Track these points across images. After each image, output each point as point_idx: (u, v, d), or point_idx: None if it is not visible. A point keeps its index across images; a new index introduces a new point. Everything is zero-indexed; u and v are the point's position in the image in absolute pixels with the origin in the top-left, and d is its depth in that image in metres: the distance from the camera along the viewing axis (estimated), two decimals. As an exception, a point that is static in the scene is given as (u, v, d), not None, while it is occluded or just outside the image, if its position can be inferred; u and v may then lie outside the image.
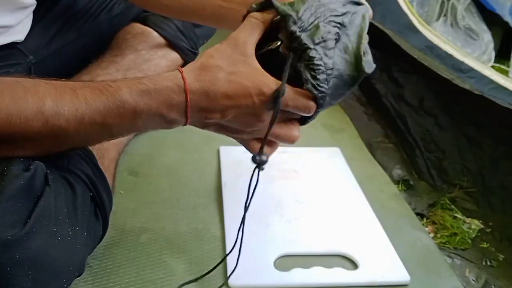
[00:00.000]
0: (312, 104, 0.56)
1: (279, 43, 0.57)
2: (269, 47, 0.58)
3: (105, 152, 0.78)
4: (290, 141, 0.60)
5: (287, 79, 0.54)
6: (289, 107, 0.56)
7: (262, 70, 0.56)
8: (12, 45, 0.79)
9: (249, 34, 0.57)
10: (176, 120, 0.56)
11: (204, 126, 0.58)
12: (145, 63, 0.93)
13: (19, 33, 0.79)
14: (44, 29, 0.86)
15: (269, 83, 0.54)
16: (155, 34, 0.97)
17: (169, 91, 0.54)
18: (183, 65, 1.03)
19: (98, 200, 0.63)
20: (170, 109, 0.54)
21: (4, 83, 0.51)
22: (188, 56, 1.01)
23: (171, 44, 0.98)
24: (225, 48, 0.56)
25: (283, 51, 0.56)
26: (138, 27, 0.96)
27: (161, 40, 0.97)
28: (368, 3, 0.83)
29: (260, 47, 0.58)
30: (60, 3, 0.89)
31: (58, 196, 0.55)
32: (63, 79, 0.55)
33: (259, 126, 0.57)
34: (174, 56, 0.99)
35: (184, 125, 0.57)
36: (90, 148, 0.69)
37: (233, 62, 0.55)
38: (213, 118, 0.56)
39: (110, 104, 0.53)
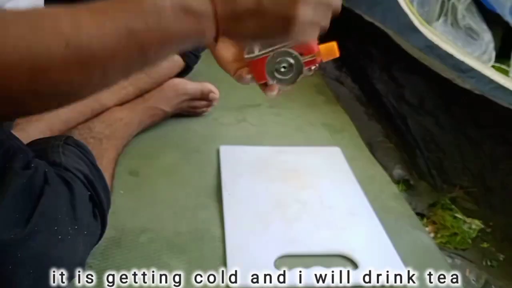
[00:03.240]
0: None
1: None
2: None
3: (105, 153, 0.78)
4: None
5: None
6: None
7: None
8: None
9: None
10: (201, 10, 0.49)
11: (237, 23, 0.51)
12: None
13: None
14: None
15: None
16: None
17: None
18: (184, 68, 1.04)
19: (96, 199, 0.63)
20: None
21: (18, 12, 0.45)
22: (189, 58, 1.01)
23: None
24: None
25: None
26: None
27: None
28: (369, 3, 0.85)
29: None
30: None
31: (57, 195, 0.55)
32: None
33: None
34: (175, 58, 0.99)
35: (215, 22, 0.50)
36: (90, 148, 0.69)
37: None
38: (244, 2, 0.50)
39: (128, 7, 0.47)
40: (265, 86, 0.70)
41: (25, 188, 0.51)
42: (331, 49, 0.65)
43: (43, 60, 0.43)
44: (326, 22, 0.56)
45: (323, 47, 0.65)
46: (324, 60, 0.66)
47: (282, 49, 0.62)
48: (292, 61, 0.63)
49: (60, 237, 0.53)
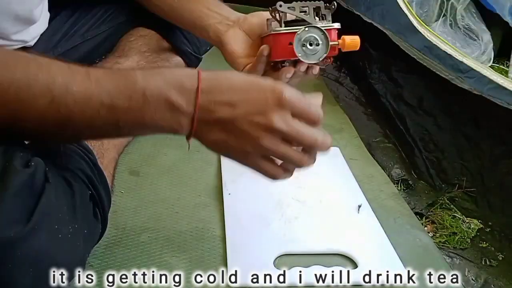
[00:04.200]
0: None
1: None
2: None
3: (105, 152, 0.78)
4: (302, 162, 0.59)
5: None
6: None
7: None
8: (23, 48, 0.81)
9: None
10: (183, 108, 0.53)
11: (209, 129, 0.56)
12: (148, 65, 0.93)
13: (31, 41, 0.81)
14: (51, 34, 0.87)
15: (282, 85, 0.55)
16: (158, 36, 0.97)
17: (182, 75, 0.54)
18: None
19: (97, 199, 0.63)
20: (179, 92, 0.53)
21: (20, 57, 0.51)
22: (191, 60, 1.01)
23: (175, 48, 0.98)
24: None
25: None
26: (142, 30, 0.97)
27: (164, 43, 0.97)
28: (368, 4, 0.87)
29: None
30: (65, 11, 0.90)
31: (58, 193, 0.55)
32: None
33: (267, 134, 0.56)
34: (177, 60, 0.99)
35: (191, 123, 0.55)
36: (91, 147, 0.69)
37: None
38: (221, 111, 0.54)
39: (121, 84, 0.52)
40: (277, 69, 0.73)
41: (25, 187, 0.51)
42: (354, 41, 0.69)
43: (27, 105, 0.49)
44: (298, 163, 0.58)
45: (348, 37, 0.69)
46: (344, 50, 0.69)
47: (313, 25, 0.68)
48: (320, 38, 0.68)
49: (60, 236, 0.53)
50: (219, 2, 0.83)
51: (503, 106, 0.88)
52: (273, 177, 0.60)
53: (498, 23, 1.49)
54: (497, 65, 1.51)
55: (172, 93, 0.52)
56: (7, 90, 0.47)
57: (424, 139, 1.06)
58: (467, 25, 1.49)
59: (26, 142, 0.60)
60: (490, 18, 1.50)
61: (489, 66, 1.40)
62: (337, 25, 0.70)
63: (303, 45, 0.68)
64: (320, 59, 0.69)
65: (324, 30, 0.68)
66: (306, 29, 0.67)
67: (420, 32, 1.09)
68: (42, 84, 0.49)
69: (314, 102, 0.59)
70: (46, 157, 0.60)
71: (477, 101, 0.93)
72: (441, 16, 1.51)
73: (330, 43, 0.68)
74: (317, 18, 0.71)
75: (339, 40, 0.69)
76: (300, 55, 0.68)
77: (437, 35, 1.07)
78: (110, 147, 0.82)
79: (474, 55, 1.45)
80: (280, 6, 0.69)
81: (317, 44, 0.68)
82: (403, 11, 1.14)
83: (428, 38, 1.06)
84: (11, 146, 0.57)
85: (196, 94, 0.53)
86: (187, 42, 0.99)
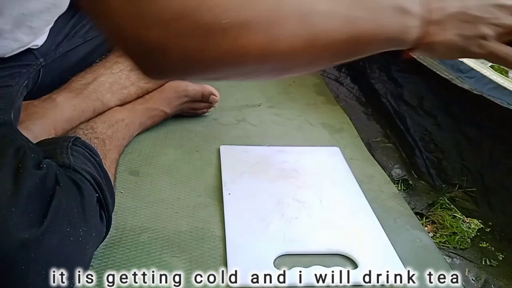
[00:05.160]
0: None
1: None
2: None
3: (107, 153, 0.79)
4: None
5: None
6: None
7: None
8: (29, 49, 0.81)
9: None
10: (412, 11, 0.51)
11: (443, 28, 0.53)
12: None
13: (39, 41, 0.82)
14: (54, 34, 0.87)
15: None
16: None
17: None
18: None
19: (103, 201, 0.63)
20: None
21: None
22: None
23: None
24: None
25: None
26: None
27: None
28: None
29: None
30: (66, 13, 0.91)
31: (68, 196, 0.55)
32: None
33: (501, 12, 0.55)
34: None
35: (422, 26, 0.52)
36: (96, 149, 0.70)
37: None
38: (451, 7, 0.53)
39: None
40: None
41: (37, 189, 0.51)
42: None
43: (277, 32, 0.44)
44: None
45: None
46: None
47: None
48: None
49: (72, 238, 0.54)
50: None
51: (503, 106, 0.88)
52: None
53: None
54: (497, 65, 1.50)
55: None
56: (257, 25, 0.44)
57: (424, 139, 1.06)
58: (467, 25, 1.49)
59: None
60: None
61: (489, 66, 1.40)
62: None
63: None
64: None
65: None
66: None
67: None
68: (289, 7, 0.46)
69: None
70: (55, 158, 0.60)
71: (477, 101, 0.93)
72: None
73: None
74: None
75: None
76: None
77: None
78: (112, 147, 0.83)
79: (474, 55, 1.45)
80: None
81: None
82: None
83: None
84: (23, 146, 0.57)
85: None
86: None
